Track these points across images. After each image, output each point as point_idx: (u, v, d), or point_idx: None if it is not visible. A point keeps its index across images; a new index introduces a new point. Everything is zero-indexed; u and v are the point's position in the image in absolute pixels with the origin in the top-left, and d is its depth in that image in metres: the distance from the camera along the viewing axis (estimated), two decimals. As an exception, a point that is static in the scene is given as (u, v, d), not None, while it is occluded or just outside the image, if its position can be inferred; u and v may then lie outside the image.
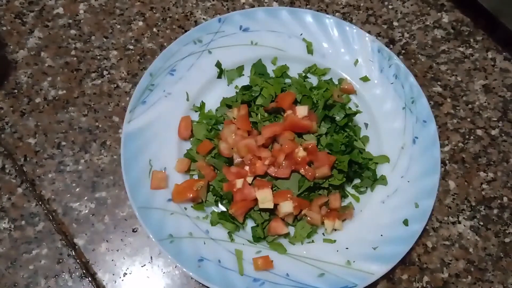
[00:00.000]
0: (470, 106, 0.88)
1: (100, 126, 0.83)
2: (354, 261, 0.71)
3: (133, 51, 0.89)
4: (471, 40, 0.95)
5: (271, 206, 0.71)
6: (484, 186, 0.81)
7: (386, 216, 0.75)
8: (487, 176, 0.82)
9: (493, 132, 0.86)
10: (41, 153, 0.80)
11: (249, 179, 0.74)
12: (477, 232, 0.78)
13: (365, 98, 0.85)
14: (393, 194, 0.77)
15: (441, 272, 0.75)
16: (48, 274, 0.71)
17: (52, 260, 0.72)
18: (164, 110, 0.80)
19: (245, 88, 0.84)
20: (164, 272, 0.73)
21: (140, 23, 0.92)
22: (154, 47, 0.90)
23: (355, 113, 0.82)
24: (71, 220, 0.75)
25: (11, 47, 0.88)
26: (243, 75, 0.86)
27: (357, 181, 0.79)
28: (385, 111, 0.83)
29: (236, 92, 0.84)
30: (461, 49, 0.94)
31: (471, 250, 0.76)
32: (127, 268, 0.73)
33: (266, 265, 0.70)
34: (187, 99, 0.82)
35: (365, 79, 0.85)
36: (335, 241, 0.73)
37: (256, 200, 0.72)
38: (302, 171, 0.73)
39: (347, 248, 0.72)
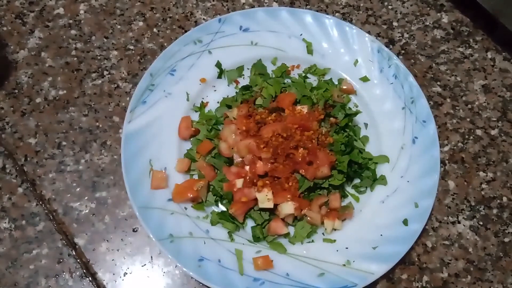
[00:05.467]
0: (469, 106, 0.88)
1: (100, 126, 0.83)
2: (354, 261, 0.71)
3: (133, 51, 0.90)
4: (471, 40, 0.95)
5: (271, 206, 0.72)
6: (483, 186, 0.82)
7: (386, 216, 0.75)
8: (487, 176, 0.82)
9: (492, 132, 0.86)
10: (41, 153, 0.80)
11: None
12: (476, 232, 0.78)
13: (365, 98, 0.85)
14: (392, 194, 0.77)
15: (441, 272, 0.75)
16: (49, 273, 0.72)
17: (53, 259, 0.73)
18: (164, 110, 0.80)
19: (245, 88, 0.84)
20: (164, 272, 0.73)
21: (141, 23, 0.93)
22: (155, 47, 0.90)
23: (355, 113, 0.82)
24: (71, 220, 0.76)
25: (12, 47, 0.89)
26: (243, 75, 0.87)
27: (357, 181, 0.79)
28: (384, 111, 0.83)
29: (236, 92, 0.85)
30: (460, 49, 0.94)
31: (470, 250, 0.77)
32: (128, 268, 0.73)
33: (266, 265, 0.70)
34: (187, 99, 0.83)
35: (364, 79, 0.86)
36: (335, 241, 0.73)
37: (256, 200, 0.72)
38: (302, 171, 0.74)
39: (347, 248, 0.72)
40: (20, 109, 0.83)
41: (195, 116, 0.82)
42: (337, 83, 0.86)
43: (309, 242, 0.74)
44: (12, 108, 0.83)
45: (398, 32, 0.95)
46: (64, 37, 0.90)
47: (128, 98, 0.85)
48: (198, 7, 0.95)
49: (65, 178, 0.78)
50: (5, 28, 0.90)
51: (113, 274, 0.72)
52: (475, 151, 0.84)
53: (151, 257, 0.74)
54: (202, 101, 0.84)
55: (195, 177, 0.78)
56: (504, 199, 0.81)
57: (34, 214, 0.75)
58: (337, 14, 0.95)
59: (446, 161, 0.83)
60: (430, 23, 0.96)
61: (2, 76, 0.86)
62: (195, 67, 0.85)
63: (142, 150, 0.77)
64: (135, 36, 0.91)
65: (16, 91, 0.85)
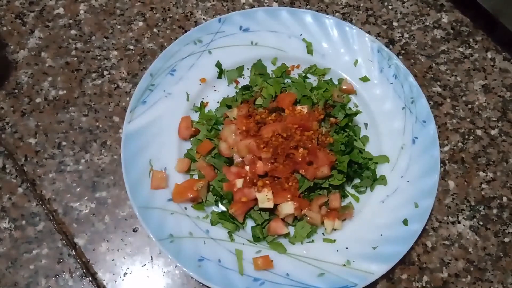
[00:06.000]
0: (469, 106, 0.88)
1: (100, 126, 0.83)
2: (354, 261, 0.71)
3: (133, 51, 0.90)
4: (471, 40, 0.95)
5: (271, 206, 0.72)
6: (483, 186, 0.82)
7: (386, 216, 0.75)
8: (487, 176, 0.82)
9: (492, 132, 0.86)
10: (41, 153, 0.80)
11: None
12: (476, 232, 0.78)
13: (365, 98, 0.85)
14: (392, 194, 0.77)
15: (441, 272, 0.75)
16: (49, 273, 0.72)
17: (53, 259, 0.73)
18: (164, 110, 0.80)
19: (245, 88, 0.84)
20: (164, 272, 0.73)
21: (141, 23, 0.93)
22: (155, 47, 0.90)
23: (355, 114, 0.82)
24: (71, 220, 0.76)
25: (12, 47, 0.89)
26: (243, 75, 0.87)
27: (357, 181, 0.79)
28: (385, 111, 0.83)
29: (236, 92, 0.85)
30: (460, 49, 0.94)
31: (470, 250, 0.77)
32: (128, 268, 0.73)
33: (266, 265, 0.70)
34: (187, 99, 0.83)
35: (365, 79, 0.86)
36: (335, 241, 0.73)
37: (256, 200, 0.72)
38: (302, 171, 0.74)
39: (347, 248, 0.72)
40: (20, 109, 0.83)
41: (195, 116, 0.82)
42: (337, 83, 0.86)
43: (309, 242, 0.74)
44: (12, 108, 0.83)
45: (398, 32, 0.95)
46: (64, 37, 0.90)
47: (128, 98, 0.85)
48: (198, 7, 0.95)
49: (65, 178, 0.78)
50: (5, 28, 0.90)
51: (113, 274, 0.72)
52: (475, 151, 0.84)
53: (151, 257, 0.74)
54: (202, 101, 0.84)
55: (195, 177, 0.78)
56: (504, 199, 0.81)
57: (34, 214, 0.75)
58: (337, 14, 0.95)
59: (446, 161, 0.83)
60: (430, 23, 0.96)
61: (2, 76, 0.86)
62: (195, 67, 0.85)
63: (142, 150, 0.77)
64: (135, 36, 0.91)
65: (16, 91, 0.85)
